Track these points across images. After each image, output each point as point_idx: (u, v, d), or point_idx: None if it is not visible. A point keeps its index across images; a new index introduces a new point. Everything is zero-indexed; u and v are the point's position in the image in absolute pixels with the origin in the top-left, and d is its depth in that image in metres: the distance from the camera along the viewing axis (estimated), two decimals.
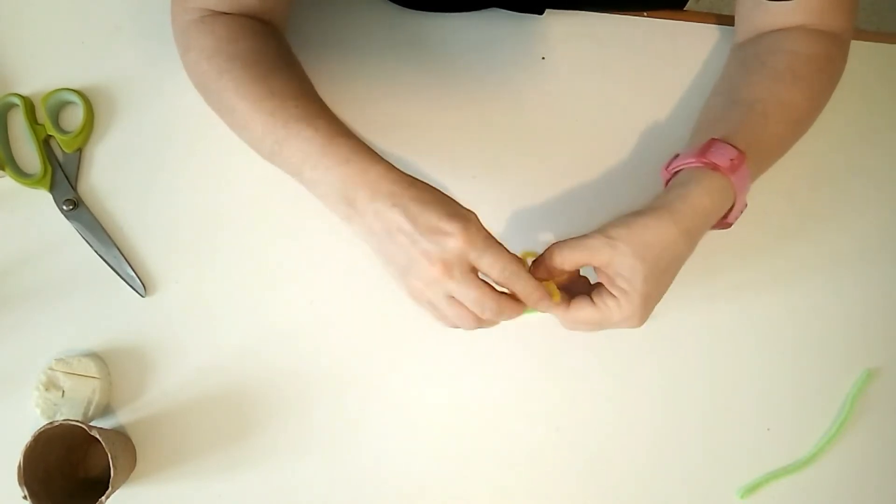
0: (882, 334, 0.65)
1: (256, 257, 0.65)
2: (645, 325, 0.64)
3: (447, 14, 0.70)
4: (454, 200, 0.51)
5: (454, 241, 0.48)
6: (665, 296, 0.63)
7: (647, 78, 0.70)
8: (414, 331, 0.64)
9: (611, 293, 0.52)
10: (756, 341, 0.65)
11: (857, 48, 0.64)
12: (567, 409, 0.63)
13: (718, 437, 0.63)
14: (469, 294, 0.49)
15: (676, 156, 0.57)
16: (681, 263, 0.53)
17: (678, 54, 0.70)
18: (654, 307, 0.53)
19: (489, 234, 0.50)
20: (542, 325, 0.64)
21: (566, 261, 0.52)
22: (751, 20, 0.65)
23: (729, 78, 0.65)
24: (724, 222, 0.57)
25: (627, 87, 0.69)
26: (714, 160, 0.54)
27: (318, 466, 0.62)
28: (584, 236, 0.52)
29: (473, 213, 0.50)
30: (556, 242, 0.53)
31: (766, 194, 0.67)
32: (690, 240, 0.53)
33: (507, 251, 0.50)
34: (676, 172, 0.57)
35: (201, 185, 0.66)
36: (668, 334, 0.64)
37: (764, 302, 0.65)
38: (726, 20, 0.70)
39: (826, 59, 0.61)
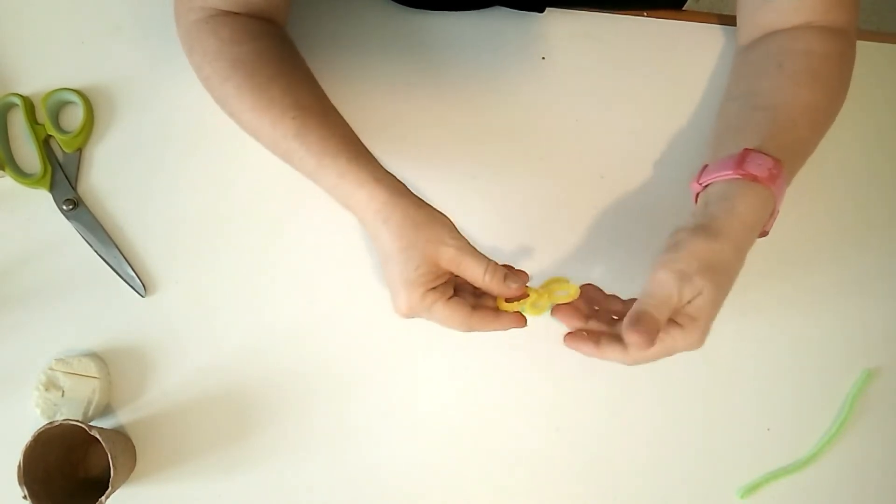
0: (882, 334, 0.65)
1: (256, 257, 0.65)
2: None
3: (448, 13, 0.70)
4: (426, 244, 0.51)
5: (403, 306, 0.52)
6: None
7: (648, 78, 0.70)
8: (414, 331, 0.64)
9: (675, 322, 0.50)
10: (756, 341, 0.65)
11: (858, 48, 0.64)
12: (567, 409, 0.63)
13: (718, 437, 0.63)
14: (436, 319, 0.52)
15: (705, 167, 0.56)
16: (734, 279, 0.52)
17: (678, 54, 0.70)
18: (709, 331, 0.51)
19: (436, 302, 0.51)
20: (543, 325, 0.64)
21: (658, 318, 0.49)
22: (755, 19, 0.64)
23: (745, 82, 0.63)
24: (762, 232, 0.56)
25: (627, 87, 0.69)
26: (753, 171, 0.52)
27: (318, 466, 0.62)
28: (654, 278, 0.50)
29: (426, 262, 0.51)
30: (635, 301, 0.50)
31: None
32: (743, 255, 0.52)
33: (453, 314, 0.52)
34: (707, 185, 0.55)
35: (201, 185, 0.66)
36: None
37: (764, 302, 0.65)
38: (726, 20, 0.70)
39: (840, 56, 0.61)
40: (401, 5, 0.70)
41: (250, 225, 0.65)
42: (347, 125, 0.57)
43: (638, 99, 0.69)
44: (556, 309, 0.55)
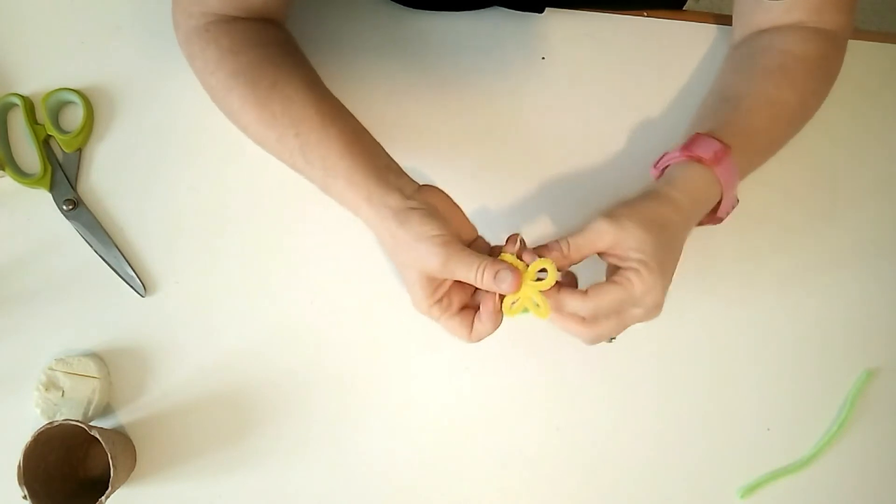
0: (882, 334, 0.65)
1: (257, 257, 0.65)
2: (644, 325, 0.64)
3: (448, 13, 0.70)
4: (419, 262, 0.51)
5: (413, 302, 0.53)
6: (665, 295, 0.62)
7: (647, 78, 0.70)
8: (414, 331, 0.64)
9: (626, 269, 0.51)
10: (756, 341, 0.65)
11: (857, 48, 0.64)
12: (567, 409, 0.63)
13: (718, 437, 0.63)
14: (442, 326, 0.53)
15: (664, 155, 0.58)
16: (680, 246, 0.54)
17: (678, 54, 0.70)
18: (667, 288, 0.52)
19: (440, 316, 0.52)
20: (542, 325, 0.64)
21: (574, 251, 0.52)
22: (748, 19, 0.65)
23: (722, 77, 0.65)
24: (714, 217, 0.58)
25: (627, 87, 0.69)
26: (698, 153, 0.55)
27: (317, 466, 0.62)
28: (587, 223, 0.52)
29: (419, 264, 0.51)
30: (560, 238, 0.53)
31: (765, 194, 0.67)
32: (685, 221, 0.54)
33: (456, 330, 0.52)
34: (664, 170, 0.57)
35: (201, 185, 0.66)
36: (668, 334, 0.64)
37: (764, 302, 0.65)
38: (725, 20, 0.70)
39: (820, 58, 0.61)
40: (401, 5, 0.70)
41: (250, 225, 0.65)
42: (347, 121, 0.56)
43: (638, 99, 0.69)
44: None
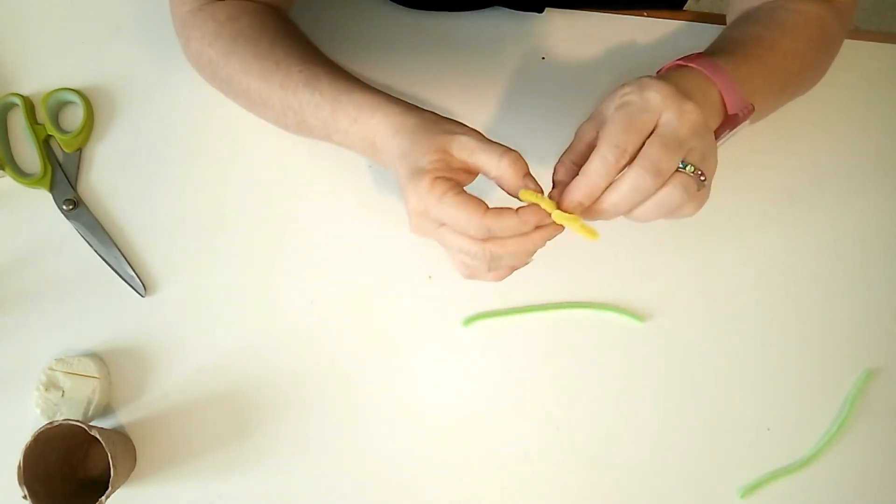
0: (882, 334, 0.65)
1: (257, 257, 0.65)
2: (645, 324, 0.64)
3: (448, 13, 0.70)
4: (437, 134, 0.47)
5: (412, 201, 0.46)
6: (665, 295, 0.62)
7: None
8: (414, 331, 0.64)
9: (618, 104, 0.46)
10: (756, 341, 0.65)
11: (857, 48, 0.64)
12: (567, 409, 0.63)
13: (718, 437, 0.63)
14: (448, 221, 0.46)
15: None
16: (705, 118, 0.46)
17: (678, 54, 0.70)
18: (677, 89, 0.45)
19: (446, 192, 0.45)
20: (543, 324, 0.64)
21: (572, 155, 0.48)
22: (742, 5, 0.64)
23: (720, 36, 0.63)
24: (729, 117, 0.52)
25: None
26: (685, 62, 0.52)
27: (317, 466, 0.62)
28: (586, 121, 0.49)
29: (438, 160, 0.46)
30: (555, 170, 0.49)
31: (766, 194, 0.67)
32: (686, 95, 0.46)
33: (466, 208, 0.45)
34: None
35: (201, 185, 0.66)
36: (668, 334, 0.64)
37: (764, 302, 0.65)
38: (726, 20, 0.70)
39: (815, 17, 0.59)
40: (401, 5, 0.70)
41: (250, 225, 0.65)
42: (350, 73, 0.56)
43: None
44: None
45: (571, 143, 0.50)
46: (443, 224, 0.46)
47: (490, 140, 0.47)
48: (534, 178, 0.47)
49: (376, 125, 0.50)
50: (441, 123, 0.49)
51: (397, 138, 0.49)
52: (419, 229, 0.48)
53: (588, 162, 0.45)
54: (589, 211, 0.46)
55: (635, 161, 0.44)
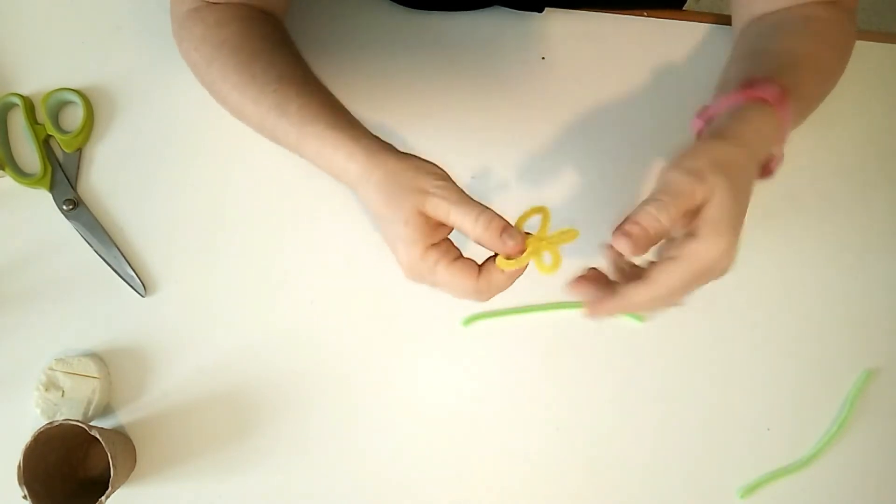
0: (882, 334, 0.65)
1: (257, 257, 0.65)
2: (645, 324, 0.64)
3: (448, 13, 0.70)
4: (410, 195, 0.47)
5: (404, 264, 0.47)
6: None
7: (647, 78, 0.70)
8: (414, 331, 0.64)
9: (693, 235, 0.45)
10: (756, 341, 0.65)
11: (857, 48, 0.64)
12: (567, 409, 0.63)
13: (718, 437, 0.63)
14: (442, 285, 0.47)
15: (706, 107, 0.53)
16: (750, 188, 0.47)
17: (678, 54, 0.70)
18: (739, 241, 0.45)
19: (438, 262, 0.46)
20: (543, 323, 0.64)
21: (665, 218, 0.44)
22: (748, 10, 0.63)
23: (747, 44, 0.61)
24: (767, 169, 0.52)
25: (627, 87, 0.69)
26: (761, 94, 0.50)
27: (318, 467, 0.62)
28: (665, 182, 0.45)
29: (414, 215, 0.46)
30: (641, 205, 0.45)
31: (766, 194, 0.67)
32: (753, 159, 0.48)
33: (459, 276, 0.46)
34: (710, 120, 0.52)
35: (201, 185, 0.66)
36: (668, 334, 0.64)
37: (764, 302, 0.65)
38: (725, 20, 0.70)
39: (839, 24, 0.60)
40: (401, 5, 0.70)
41: (250, 224, 0.65)
42: (329, 93, 0.55)
43: (638, 99, 0.69)
44: (576, 282, 0.48)
45: (674, 197, 0.45)
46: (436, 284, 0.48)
47: (463, 196, 0.46)
48: (512, 231, 0.46)
49: (340, 166, 0.50)
50: (409, 177, 0.47)
51: (367, 190, 0.48)
52: (414, 279, 0.49)
53: (636, 287, 0.46)
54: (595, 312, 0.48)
55: (665, 297, 0.46)
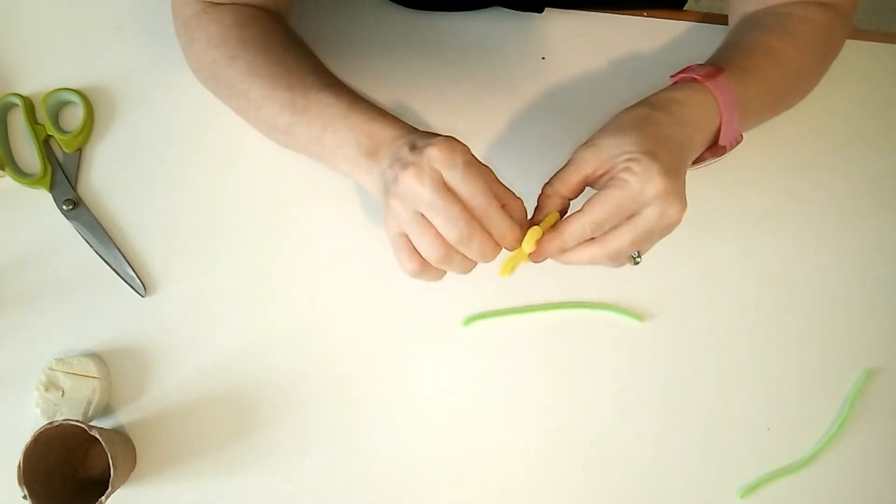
0: (882, 334, 0.65)
1: (257, 257, 0.65)
2: (645, 324, 0.64)
3: (448, 13, 0.70)
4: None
5: (431, 149, 0.47)
6: (665, 295, 0.62)
7: (647, 78, 0.69)
8: (414, 331, 0.64)
9: (617, 173, 0.48)
10: (756, 341, 0.65)
11: (857, 48, 0.64)
12: (567, 409, 0.63)
13: (718, 437, 0.63)
14: (437, 204, 0.46)
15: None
16: (676, 141, 0.50)
17: (678, 54, 0.70)
18: (674, 177, 0.47)
19: (473, 158, 0.48)
20: (543, 324, 0.64)
21: (563, 187, 0.50)
22: (743, 7, 0.64)
23: (724, 39, 0.64)
24: (717, 147, 0.55)
25: (627, 87, 0.69)
26: (689, 74, 0.54)
27: (318, 467, 0.62)
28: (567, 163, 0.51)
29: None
30: (545, 184, 0.52)
31: (765, 193, 0.67)
32: (673, 122, 0.51)
33: (486, 182, 0.48)
34: None
35: (201, 185, 0.66)
36: (668, 334, 0.64)
37: (764, 302, 0.65)
38: (725, 20, 0.70)
39: (822, 25, 0.60)
40: (401, 5, 0.70)
41: (250, 224, 0.65)
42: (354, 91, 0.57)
43: (637, 99, 0.69)
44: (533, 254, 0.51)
45: (566, 170, 0.51)
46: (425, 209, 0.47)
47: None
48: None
49: (400, 127, 0.52)
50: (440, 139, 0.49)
51: (422, 135, 0.51)
52: (400, 205, 0.48)
53: (567, 223, 0.49)
54: (538, 255, 0.50)
55: (602, 242, 0.49)
